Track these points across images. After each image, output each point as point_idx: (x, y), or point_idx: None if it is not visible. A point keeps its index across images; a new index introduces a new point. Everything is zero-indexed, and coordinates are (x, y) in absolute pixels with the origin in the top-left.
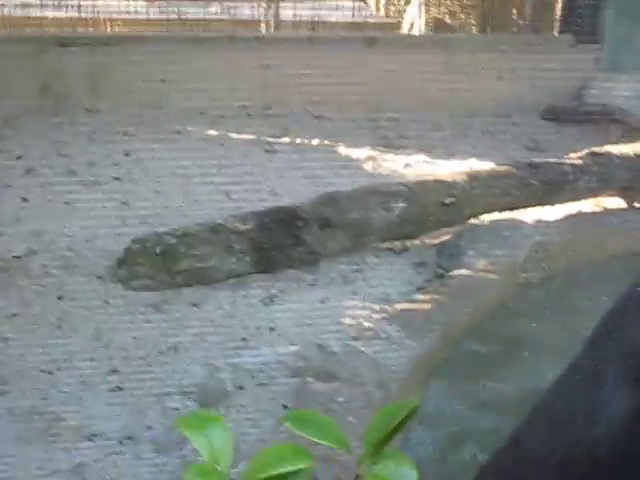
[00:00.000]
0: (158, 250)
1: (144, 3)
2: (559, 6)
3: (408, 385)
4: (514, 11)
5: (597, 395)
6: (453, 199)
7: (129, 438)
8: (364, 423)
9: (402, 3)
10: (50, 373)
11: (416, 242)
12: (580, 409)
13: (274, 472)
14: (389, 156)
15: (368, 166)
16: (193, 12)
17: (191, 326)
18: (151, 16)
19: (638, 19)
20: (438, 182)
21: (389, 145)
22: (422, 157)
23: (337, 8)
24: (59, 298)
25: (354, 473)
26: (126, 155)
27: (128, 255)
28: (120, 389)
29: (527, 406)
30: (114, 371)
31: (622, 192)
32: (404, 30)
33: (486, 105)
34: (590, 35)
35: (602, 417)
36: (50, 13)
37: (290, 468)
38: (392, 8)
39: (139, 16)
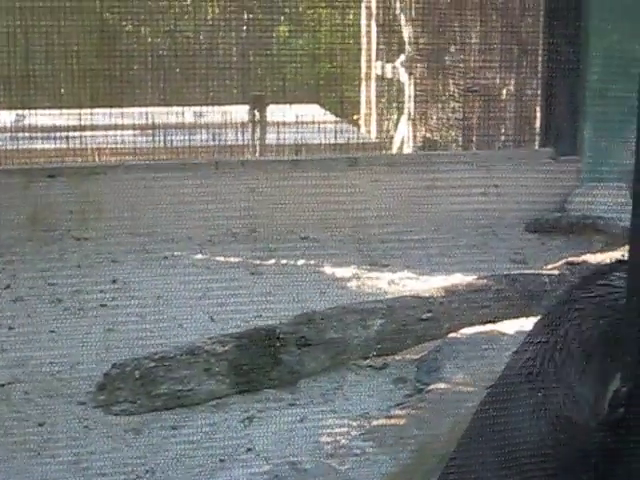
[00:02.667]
0: (137, 374)
1: (132, 132)
2: (539, 120)
3: None
4: (496, 127)
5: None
6: (430, 314)
7: None
8: None
9: (391, 123)
10: None
11: (396, 358)
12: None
13: None
14: (374, 274)
15: (352, 284)
16: (180, 139)
17: (170, 449)
18: (138, 145)
19: (615, 132)
20: (415, 298)
21: (374, 263)
22: (407, 274)
23: (320, 130)
24: (40, 425)
25: None
26: (113, 282)
27: (108, 380)
28: None
29: None
30: None
31: None
32: (394, 149)
33: (471, 221)
34: (570, 147)
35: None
36: (39, 145)
37: None
38: (383, 128)
39: (126, 145)
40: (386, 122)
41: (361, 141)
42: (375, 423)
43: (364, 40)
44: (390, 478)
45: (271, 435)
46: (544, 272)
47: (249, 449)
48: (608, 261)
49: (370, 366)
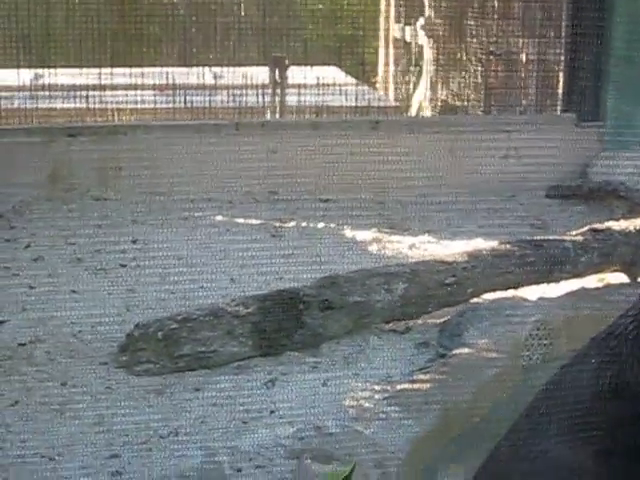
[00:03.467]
0: (160, 335)
1: (152, 92)
2: (561, 85)
3: (406, 464)
4: (518, 91)
5: None
6: (454, 279)
7: None
8: None
9: (410, 87)
10: (51, 459)
11: (419, 322)
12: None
13: None
14: (395, 237)
15: (373, 248)
16: (199, 100)
17: (193, 410)
18: (158, 105)
19: (639, 97)
20: (439, 262)
21: (395, 227)
22: (427, 238)
23: (341, 93)
24: (62, 384)
25: None
26: (133, 242)
27: (130, 341)
28: (119, 474)
29: None
30: (114, 456)
31: (625, 267)
32: (412, 113)
33: (491, 185)
34: (593, 113)
35: None
36: (59, 104)
37: None
38: (401, 91)
39: (146, 105)
40: (405, 85)
41: (382, 104)
42: (399, 387)
43: (383, 2)
44: (416, 442)
45: (294, 398)
46: (567, 238)
47: (272, 412)
48: (633, 229)
49: (393, 330)
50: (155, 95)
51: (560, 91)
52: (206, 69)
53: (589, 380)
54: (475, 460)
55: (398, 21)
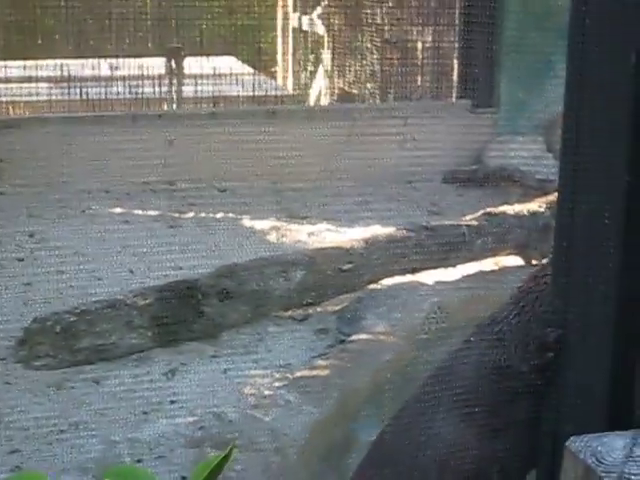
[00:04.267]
0: (58, 329)
1: (46, 84)
2: (456, 73)
3: (305, 450)
4: (413, 79)
5: None
6: (352, 265)
7: None
8: None
9: (308, 75)
10: None
11: (318, 309)
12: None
13: None
14: (293, 226)
15: (272, 237)
16: (96, 92)
17: (92, 403)
18: (53, 97)
19: (531, 84)
20: (337, 249)
21: (293, 216)
22: (325, 226)
23: (238, 82)
24: None
25: None
26: (30, 236)
27: (28, 335)
28: (19, 468)
29: None
30: (14, 451)
31: (519, 250)
32: (310, 102)
33: (388, 172)
34: (486, 100)
35: None
36: None
37: None
38: (299, 80)
39: (41, 97)
40: (303, 75)
41: (279, 93)
42: (298, 374)
43: None
44: (315, 427)
45: (194, 388)
46: (462, 223)
47: (173, 401)
48: (526, 213)
49: (292, 318)
50: (50, 88)
51: (455, 78)
52: (102, 60)
53: (475, 364)
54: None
55: (295, 10)
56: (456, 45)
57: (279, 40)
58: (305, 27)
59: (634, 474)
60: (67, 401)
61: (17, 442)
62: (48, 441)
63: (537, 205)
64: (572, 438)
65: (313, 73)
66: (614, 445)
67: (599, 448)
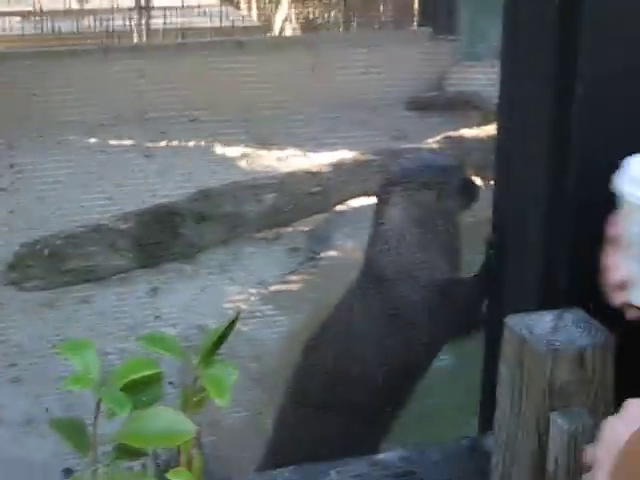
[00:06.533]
0: (46, 252)
1: (18, 19)
2: (417, 0)
3: (281, 357)
4: (376, 7)
5: None
6: (320, 188)
7: (31, 421)
8: (242, 392)
9: (273, 6)
10: None
11: (289, 230)
12: None
13: (132, 377)
14: (262, 152)
15: (242, 163)
16: (67, 26)
17: (82, 320)
18: (26, 32)
19: (491, 11)
20: (305, 173)
21: (262, 142)
22: (294, 151)
23: (206, 14)
24: None
25: (194, 376)
26: (10, 167)
27: (18, 259)
28: (19, 379)
29: None
30: (12, 365)
31: (478, 171)
32: (275, 32)
33: (353, 99)
34: (448, 27)
35: None
36: None
37: (145, 373)
38: (264, 11)
39: (14, 32)
40: (267, 4)
41: (246, 24)
42: (272, 289)
43: None
44: (289, 337)
45: (176, 304)
46: (424, 146)
47: (157, 317)
48: (485, 136)
49: (264, 238)
50: (22, 22)
51: (416, 6)
52: None
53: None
54: None
55: None
56: None
57: None
58: None
59: (558, 341)
60: (58, 319)
61: (13, 357)
62: (43, 355)
63: (494, 128)
64: (509, 316)
65: (277, 3)
66: (543, 320)
67: (530, 322)
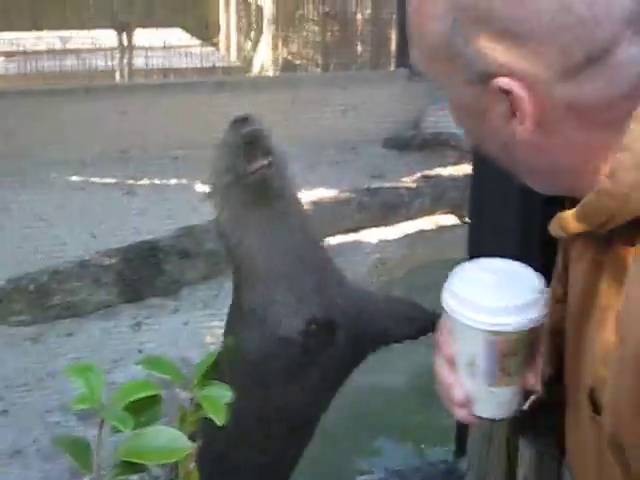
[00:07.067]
0: (32, 288)
1: (1, 59)
2: (394, 42)
3: None
4: (354, 49)
5: None
6: None
7: (18, 452)
8: None
9: (252, 46)
10: None
11: None
12: None
13: (132, 399)
14: None
15: None
16: (50, 65)
17: (67, 354)
18: (9, 72)
19: None
20: None
21: None
22: None
23: (187, 55)
24: None
25: (189, 397)
26: None
27: (3, 294)
28: (6, 412)
29: None
30: None
31: (454, 209)
32: (255, 72)
33: (332, 138)
34: None
35: None
36: None
37: (144, 394)
38: (243, 51)
39: None
40: (246, 45)
41: (226, 64)
42: None
43: None
44: None
45: (159, 338)
46: (402, 185)
47: (140, 350)
48: (461, 175)
49: None
50: (6, 62)
51: (393, 48)
52: (53, 33)
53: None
54: None
55: None
56: (394, 16)
57: (222, 11)
58: None
59: None
60: (43, 353)
61: (0, 391)
62: (28, 388)
63: (470, 168)
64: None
65: (256, 44)
66: None
67: None
